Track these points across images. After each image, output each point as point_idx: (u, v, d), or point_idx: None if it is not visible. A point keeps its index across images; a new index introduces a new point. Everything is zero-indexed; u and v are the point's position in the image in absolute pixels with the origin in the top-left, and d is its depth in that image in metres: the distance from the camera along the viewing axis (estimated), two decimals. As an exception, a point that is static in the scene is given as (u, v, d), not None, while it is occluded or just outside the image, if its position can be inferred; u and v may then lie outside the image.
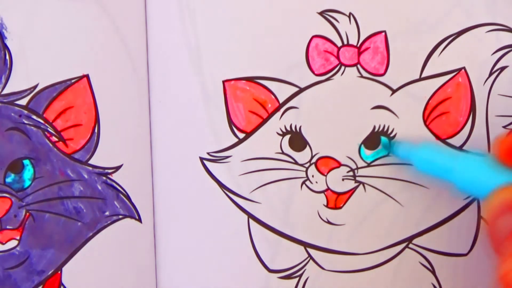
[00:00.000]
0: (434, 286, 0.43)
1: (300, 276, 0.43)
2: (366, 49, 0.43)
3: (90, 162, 0.43)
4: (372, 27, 0.43)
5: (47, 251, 0.42)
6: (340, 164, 0.43)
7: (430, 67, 0.42)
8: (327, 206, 0.43)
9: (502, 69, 0.42)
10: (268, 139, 0.43)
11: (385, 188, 0.43)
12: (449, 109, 0.43)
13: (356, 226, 0.43)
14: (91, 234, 0.43)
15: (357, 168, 0.43)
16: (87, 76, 0.43)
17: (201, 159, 0.43)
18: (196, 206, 0.43)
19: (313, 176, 0.43)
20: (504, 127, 0.42)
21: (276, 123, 0.43)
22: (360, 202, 0.43)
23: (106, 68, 0.43)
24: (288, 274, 0.43)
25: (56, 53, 0.43)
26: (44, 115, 0.42)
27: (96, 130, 0.43)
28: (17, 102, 0.42)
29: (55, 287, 0.42)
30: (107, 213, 0.43)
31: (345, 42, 0.43)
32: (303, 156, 0.43)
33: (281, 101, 0.43)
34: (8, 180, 0.42)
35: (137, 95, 0.44)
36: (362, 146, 0.43)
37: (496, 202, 0.33)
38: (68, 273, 0.42)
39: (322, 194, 0.43)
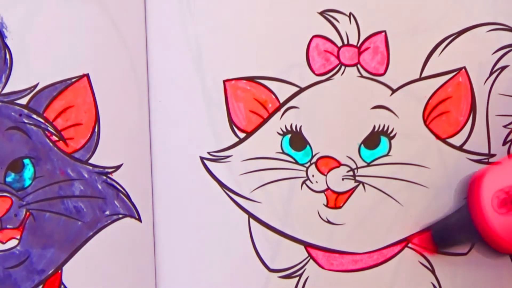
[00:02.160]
0: (433, 285, 0.43)
1: (300, 275, 0.43)
2: (366, 49, 0.43)
3: (90, 161, 0.43)
4: (372, 27, 0.43)
5: (48, 251, 0.42)
6: (340, 164, 0.43)
7: (430, 67, 0.42)
8: (327, 205, 0.43)
9: (503, 68, 0.42)
10: (268, 139, 0.43)
11: (384, 188, 0.43)
12: (450, 109, 0.43)
13: (356, 225, 0.43)
14: (91, 233, 0.43)
15: (357, 167, 0.43)
16: (87, 76, 0.43)
17: (202, 158, 0.43)
18: (196, 205, 0.43)
19: (313, 175, 0.43)
20: (505, 126, 0.42)
21: (277, 123, 0.43)
22: (360, 201, 0.43)
23: (106, 67, 0.43)
24: (288, 273, 0.43)
25: (56, 53, 0.43)
26: (45, 115, 0.42)
27: (96, 130, 0.43)
28: (17, 102, 0.42)
29: (56, 287, 0.42)
30: (107, 213, 0.43)
31: (345, 42, 0.43)
32: (303, 156, 0.43)
33: (281, 101, 0.43)
34: (9, 179, 0.42)
35: (137, 94, 0.44)
36: (362, 145, 0.43)
37: None
38: (68, 272, 0.42)
39: (322, 194, 0.43)
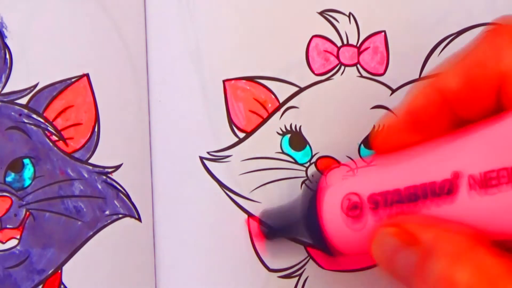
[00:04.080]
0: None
1: (300, 275, 0.43)
2: (366, 49, 0.43)
3: (90, 161, 0.43)
4: (372, 27, 0.43)
5: (47, 250, 0.42)
6: (339, 164, 0.43)
7: (430, 67, 0.42)
8: (326, 205, 0.43)
9: (502, 69, 0.42)
10: (268, 139, 0.43)
11: (384, 188, 0.43)
12: (449, 109, 0.43)
13: (356, 225, 0.43)
14: (91, 233, 0.43)
15: (357, 168, 0.43)
16: (87, 75, 0.43)
17: (201, 158, 0.43)
18: (196, 205, 0.43)
19: (312, 175, 0.43)
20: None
21: (276, 122, 0.43)
22: (359, 201, 0.43)
23: (106, 67, 0.43)
24: (288, 273, 0.43)
25: (56, 52, 0.43)
26: (44, 114, 0.42)
27: (96, 129, 0.43)
28: (17, 101, 0.42)
29: (55, 287, 0.42)
30: (107, 212, 0.43)
31: (345, 42, 0.43)
32: (303, 156, 0.43)
33: (281, 100, 0.43)
34: (8, 179, 0.42)
35: (137, 94, 0.44)
36: (362, 145, 0.43)
37: (384, 245, 0.31)
38: (68, 272, 0.42)
39: (322, 194, 0.43)
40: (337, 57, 0.43)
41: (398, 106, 0.34)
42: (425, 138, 0.32)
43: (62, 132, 0.43)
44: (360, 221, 0.32)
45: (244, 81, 0.43)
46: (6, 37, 0.42)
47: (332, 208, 0.34)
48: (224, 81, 0.43)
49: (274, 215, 0.41)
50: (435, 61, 0.42)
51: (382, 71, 0.43)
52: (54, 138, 0.42)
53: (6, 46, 0.42)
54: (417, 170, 0.30)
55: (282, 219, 0.40)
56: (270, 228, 0.41)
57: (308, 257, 0.43)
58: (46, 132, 0.42)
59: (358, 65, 0.43)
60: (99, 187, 0.43)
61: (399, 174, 0.31)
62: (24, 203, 0.42)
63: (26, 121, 0.42)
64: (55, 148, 0.42)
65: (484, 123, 0.29)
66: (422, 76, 0.42)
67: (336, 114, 0.43)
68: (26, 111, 0.42)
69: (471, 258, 0.27)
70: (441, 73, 0.32)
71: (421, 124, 0.32)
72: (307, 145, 0.43)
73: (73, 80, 0.43)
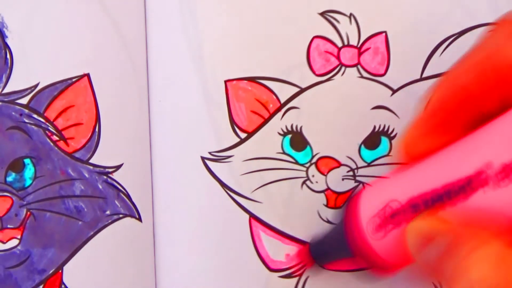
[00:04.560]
0: (434, 285, 0.43)
1: (300, 275, 0.43)
2: (367, 49, 0.43)
3: (91, 161, 0.43)
4: (372, 28, 0.43)
5: (48, 250, 0.42)
6: (340, 164, 0.43)
7: (431, 67, 0.42)
8: (327, 205, 0.43)
9: (503, 70, 0.42)
10: (269, 139, 0.43)
11: (384, 188, 0.43)
12: (449, 110, 0.43)
13: (356, 225, 0.43)
14: (92, 233, 0.43)
15: (357, 168, 0.43)
16: (87, 75, 0.43)
17: (203, 158, 0.43)
18: (197, 205, 0.43)
19: (313, 176, 0.43)
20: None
21: (278, 123, 0.43)
22: (360, 201, 0.43)
23: (107, 67, 0.43)
24: (288, 273, 0.43)
25: (56, 52, 0.43)
26: (45, 114, 0.42)
27: (96, 129, 0.43)
28: (18, 101, 0.42)
29: (56, 286, 0.42)
30: (107, 212, 0.43)
31: (346, 43, 0.43)
32: (303, 156, 0.43)
33: (282, 101, 0.43)
34: (9, 179, 0.42)
35: (138, 94, 0.44)
36: (362, 146, 0.43)
37: (414, 239, 0.31)
38: (69, 272, 0.42)
39: (322, 194, 0.43)
40: (338, 57, 0.43)
41: (418, 111, 0.33)
42: (451, 139, 0.32)
43: (62, 132, 0.43)
44: (400, 226, 0.33)
45: (245, 81, 0.43)
46: (6, 37, 0.42)
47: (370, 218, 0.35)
48: (225, 82, 0.43)
49: (319, 242, 0.41)
50: (437, 61, 0.42)
51: (382, 72, 0.43)
52: (55, 138, 0.42)
53: (6, 46, 0.42)
54: (449, 167, 0.30)
55: (326, 244, 0.40)
56: (318, 256, 0.41)
57: (309, 257, 0.43)
58: (47, 132, 0.42)
59: (359, 66, 0.43)
60: (100, 187, 0.43)
61: (434, 173, 0.31)
62: (24, 203, 0.42)
63: (26, 121, 0.42)
64: (56, 148, 0.42)
65: (507, 112, 0.29)
66: (423, 76, 0.43)
67: (337, 114, 0.43)
68: (26, 111, 0.42)
69: (494, 245, 0.27)
70: (453, 70, 0.32)
71: (443, 124, 0.32)
72: (308, 146, 0.43)
73: (73, 80, 0.43)
